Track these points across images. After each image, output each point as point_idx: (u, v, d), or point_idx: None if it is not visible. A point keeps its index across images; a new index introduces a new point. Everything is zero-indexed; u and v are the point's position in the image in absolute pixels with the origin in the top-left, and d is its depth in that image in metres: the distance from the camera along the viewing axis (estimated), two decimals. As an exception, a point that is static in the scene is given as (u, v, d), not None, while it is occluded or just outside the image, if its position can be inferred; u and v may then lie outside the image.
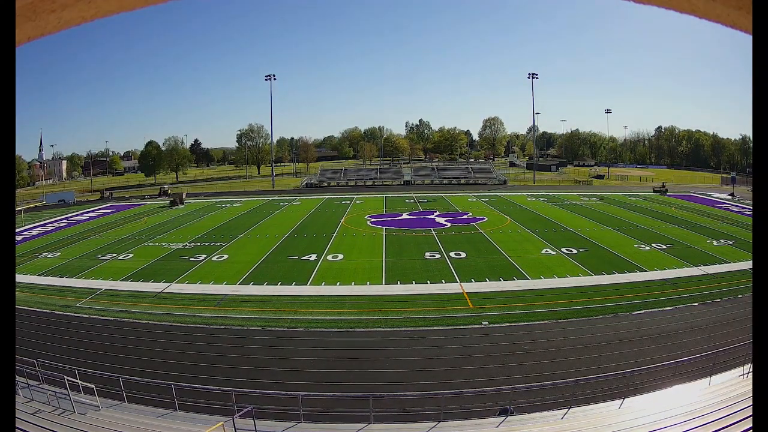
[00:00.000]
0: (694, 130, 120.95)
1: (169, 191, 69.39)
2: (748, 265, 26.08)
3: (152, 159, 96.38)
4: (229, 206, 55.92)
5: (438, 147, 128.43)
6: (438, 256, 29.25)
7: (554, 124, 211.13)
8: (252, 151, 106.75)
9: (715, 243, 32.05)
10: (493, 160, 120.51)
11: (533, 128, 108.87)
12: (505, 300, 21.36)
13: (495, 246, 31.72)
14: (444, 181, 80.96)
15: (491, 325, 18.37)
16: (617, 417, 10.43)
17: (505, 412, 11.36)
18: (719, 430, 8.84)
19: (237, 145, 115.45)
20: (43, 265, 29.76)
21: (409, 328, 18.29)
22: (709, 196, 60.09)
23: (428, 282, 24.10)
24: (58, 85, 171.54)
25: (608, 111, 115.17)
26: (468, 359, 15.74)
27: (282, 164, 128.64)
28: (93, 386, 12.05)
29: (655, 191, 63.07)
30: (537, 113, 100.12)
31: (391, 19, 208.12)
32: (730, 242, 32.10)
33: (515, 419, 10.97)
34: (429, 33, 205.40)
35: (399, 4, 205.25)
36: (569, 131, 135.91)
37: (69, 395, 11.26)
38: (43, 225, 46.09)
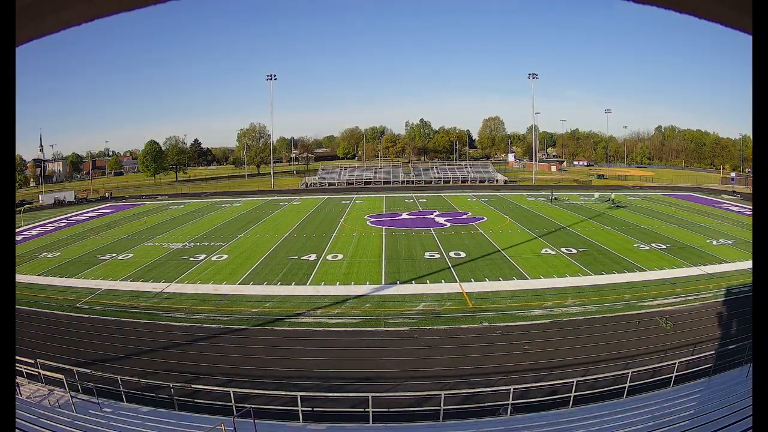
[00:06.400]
0: (694, 129, 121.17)
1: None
2: (747, 265, 26.08)
3: (153, 159, 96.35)
4: (228, 206, 55.92)
5: (438, 147, 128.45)
6: (437, 255, 29.25)
7: (554, 124, 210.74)
8: (252, 150, 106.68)
9: (714, 243, 32.05)
10: (492, 160, 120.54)
11: (533, 128, 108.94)
12: (504, 300, 21.36)
13: (494, 245, 31.72)
14: (444, 181, 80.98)
15: (491, 325, 18.38)
16: (617, 417, 10.44)
17: (504, 412, 11.37)
18: (719, 429, 8.84)
19: (237, 144, 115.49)
20: (43, 265, 29.75)
21: (409, 328, 18.29)
22: (709, 195, 60.13)
23: (428, 282, 24.10)
24: (58, 85, 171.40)
25: (608, 111, 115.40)
26: (467, 359, 15.74)
27: (282, 164, 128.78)
28: (93, 386, 12.06)
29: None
30: (537, 113, 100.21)
31: (392, 18, 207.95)
32: (730, 242, 32.10)
33: (515, 419, 10.97)
34: (430, 33, 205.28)
35: (400, 3, 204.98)
36: (569, 131, 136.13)
37: (69, 395, 11.26)
38: (43, 225, 46.07)
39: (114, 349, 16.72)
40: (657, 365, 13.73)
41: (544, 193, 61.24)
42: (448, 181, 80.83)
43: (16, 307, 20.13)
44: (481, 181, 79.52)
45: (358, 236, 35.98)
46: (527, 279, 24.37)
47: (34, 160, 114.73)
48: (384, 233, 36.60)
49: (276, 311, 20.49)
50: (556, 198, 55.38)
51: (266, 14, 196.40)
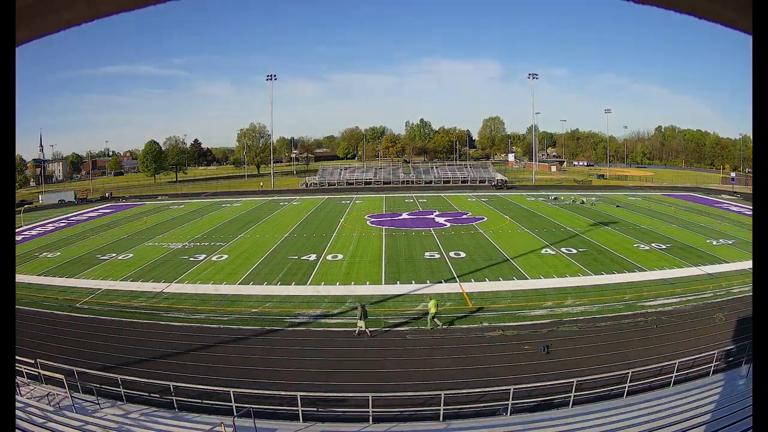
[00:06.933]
0: (694, 129, 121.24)
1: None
2: (747, 265, 26.08)
3: (153, 159, 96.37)
4: (228, 206, 55.92)
5: (438, 147, 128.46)
6: (437, 255, 29.24)
7: (554, 124, 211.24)
8: (252, 150, 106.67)
9: (714, 243, 32.05)
10: (492, 160, 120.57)
11: (533, 128, 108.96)
12: (504, 300, 21.36)
13: (494, 245, 31.72)
14: (443, 181, 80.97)
15: (490, 325, 18.37)
16: (617, 417, 10.43)
17: (504, 412, 11.37)
18: (719, 429, 8.85)
19: (237, 144, 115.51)
20: (43, 265, 29.75)
21: (409, 328, 18.29)
22: (709, 195, 60.14)
23: (428, 282, 24.09)
24: (58, 85, 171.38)
25: (608, 111, 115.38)
26: (467, 359, 15.73)
27: (282, 164, 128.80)
28: (93, 386, 12.06)
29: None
30: (537, 113, 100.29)
31: (392, 18, 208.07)
32: (730, 242, 32.10)
33: (515, 419, 10.98)
34: (430, 33, 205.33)
35: (399, 3, 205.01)
36: (569, 131, 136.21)
37: (69, 395, 11.26)
38: (43, 225, 46.08)
39: (114, 349, 16.72)
40: (657, 365, 13.72)
41: (543, 193, 61.28)
42: (448, 181, 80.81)
43: (16, 307, 20.13)
44: (481, 181, 79.48)
45: (358, 236, 35.98)
46: (527, 279, 24.37)
47: (34, 160, 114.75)
48: (384, 233, 36.59)
49: (276, 311, 20.49)
50: (556, 198, 55.75)
51: (266, 14, 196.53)
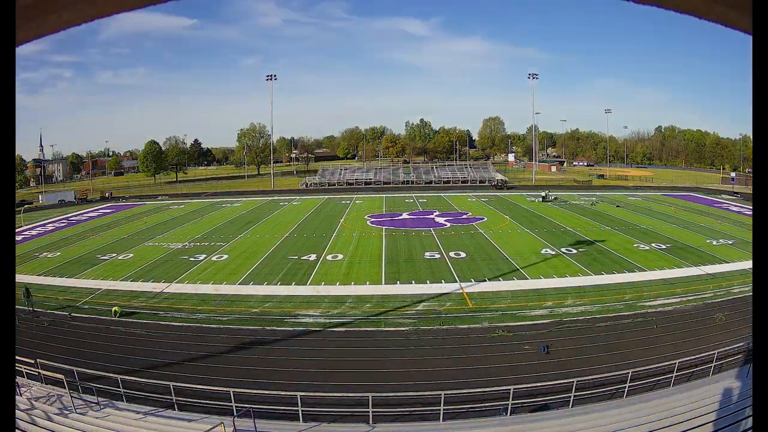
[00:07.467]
0: (694, 129, 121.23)
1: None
2: (747, 265, 26.08)
3: (153, 159, 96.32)
4: (228, 206, 55.92)
5: (438, 147, 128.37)
6: (437, 255, 29.24)
7: (554, 124, 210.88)
8: (252, 150, 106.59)
9: (714, 243, 32.05)
10: (492, 160, 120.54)
11: (533, 128, 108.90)
12: (504, 300, 21.36)
13: (494, 246, 31.72)
14: (443, 181, 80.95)
15: (491, 325, 18.38)
16: (617, 417, 10.43)
17: (504, 412, 11.37)
18: (719, 429, 8.85)
19: (237, 144, 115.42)
20: (43, 265, 29.75)
21: (409, 328, 18.29)
22: (709, 195, 60.13)
23: (428, 282, 24.10)
24: (58, 85, 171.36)
25: (608, 111, 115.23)
26: (467, 359, 15.74)
27: (282, 164, 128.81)
28: (93, 386, 12.06)
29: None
30: (537, 113, 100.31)
31: (392, 17, 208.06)
32: (730, 242, 32.10)
33: (515, 419, 10.98)
34: (429, 32, 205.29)
35: (399, 3, 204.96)
36: (569, 131, 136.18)
37: (69, 395, 11.26)
38: (43, 225, 46.08)
39: (114, 349, 16.72)
40: (657, 365, 13.72)
41: (543, 193, 61.27)
42: (449, 182, 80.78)
43: (16, 307, 20.13)
44: (481, 182, 79.43)
45: (358, 236, 35.98)
46: (527, 279, 24.37)
47: (34, 160, 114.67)
48: (384, 233, 36.59)
49: (276, 311, 20.49)
50: (556, 198, 55.71)
51: (266, 13, 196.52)
